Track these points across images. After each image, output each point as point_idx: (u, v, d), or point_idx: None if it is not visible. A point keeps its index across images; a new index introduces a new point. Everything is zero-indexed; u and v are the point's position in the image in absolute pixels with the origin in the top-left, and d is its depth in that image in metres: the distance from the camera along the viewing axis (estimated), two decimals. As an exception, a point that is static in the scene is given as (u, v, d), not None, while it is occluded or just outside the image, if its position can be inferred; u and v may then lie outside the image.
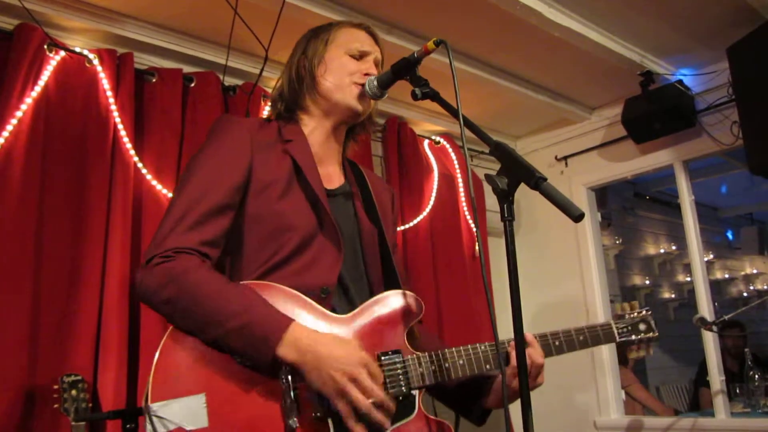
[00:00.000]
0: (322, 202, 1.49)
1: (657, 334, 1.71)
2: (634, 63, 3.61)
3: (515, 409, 1.21)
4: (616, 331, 1.68)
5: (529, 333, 1.52)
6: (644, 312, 1.72)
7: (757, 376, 3.80)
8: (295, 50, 1.67)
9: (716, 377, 3.75)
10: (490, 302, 1.34)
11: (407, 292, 1.53)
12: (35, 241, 2.43)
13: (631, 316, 1.71)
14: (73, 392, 2.04)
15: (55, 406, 2.03)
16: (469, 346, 1.50)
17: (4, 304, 2.30)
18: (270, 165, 1.49)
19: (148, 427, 1.23)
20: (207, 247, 1.38)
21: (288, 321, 1.30)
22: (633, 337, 1.69)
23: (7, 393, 2.25)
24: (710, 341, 3.80)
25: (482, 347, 1.51)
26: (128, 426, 2.11)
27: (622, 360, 4.49)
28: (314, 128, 1.62)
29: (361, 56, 1.59)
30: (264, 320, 1.29)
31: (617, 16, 3.25)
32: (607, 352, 4.20)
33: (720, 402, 3.72)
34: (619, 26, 3.36)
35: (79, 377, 2.07)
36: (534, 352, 1.51)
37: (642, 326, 1.70)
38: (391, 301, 1.50)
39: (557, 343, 1.58)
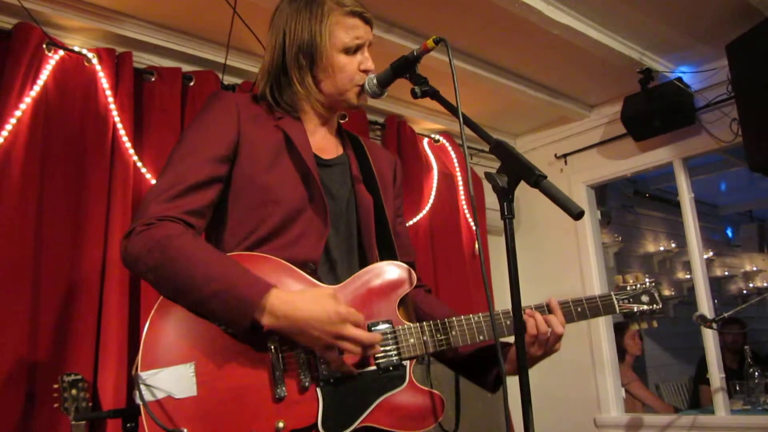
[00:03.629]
0: (312, 174, 1.47)
1: (661, 305, 1.65)
2: (634, 60, 3.61)
3: (516, 407, 1.21)
4: (616, 302, 1.63)
5: (553, 299, 1.54)
6: (648, 283, 1.67)
7: (756, 374, 3.81)
8: (287, 25, 1.54)
9: (716, 375, 3.75)
10: (490, 300, 1.34)
11: (399, 263, 1.52)
12: (35, 241, 2.43)
13: (634, 287, 1.67)
14: (74, 391, 2.03)
15: (55, 405, 2.02)
16: (462, 317, 1.50)
17: (4, 303, 2.30)
18: (259, 137, 1.48)
19: (137, 395, 1.24)
20: (191, 216, 1.37)
21: (266, 287, 1.29)
22: (635, 308, 1.64)
23: (7, 392, 2.25)
24: (710, 339, 3.80)
25: (476, 318, 1.50)
26: (128, 425, 2.10)
27: (621, 357, 4.50)
28: (309, 114, 1.60)
29: (356, 49, 1.55)
30: (243, 285, 1.28)
31: (616, 14, 3.25)
32: (607, 350, 4.20)
33: (720, 399, 3.72)
34: (618, 24, 3.36)
35: (79, 376, 2.06)
36: (554, 320, 1.50)
37: (645, 298, 1.65)
38: (382, 271, 1.50)
39: None
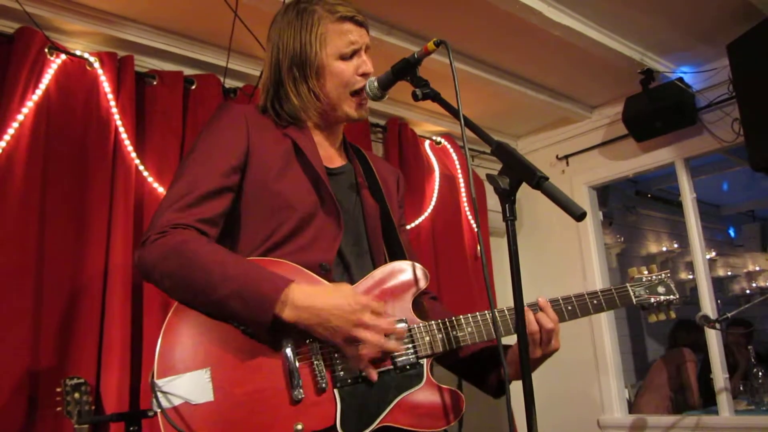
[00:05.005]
0: (322, 179, 1.49)
1: (677, 296, 1.64)
2: (635, 61, 3.61)
3: (519, 408, 1.21)
4: (632, 294, 1.62)
5: (542, 297, 1.52)
6: (663, 274, 1.67)
7: (761, 374, 3.80)
8: (280, 39, 1.57)
9: (719, 375, 3.74)
10: (491, 303, 1.34)
11: (412, 263, 1.53)
12: (37, 245, 2.44)
13: (649, 278, 1.66)
14: (76, 395, 2.04)
15: (58, 409, 2.02)
16: (477, 313, 1.50)
17: (6, 307, 2.30)
18: (268, 146, 1.50)
19: (154, 402, 1.24)
20: (204, 224, 1.39)
21: (285, 281, 1.30)
22: (652, 299, 1.62)
23: (10, 396, 2.25)
24: (713, 339, 3.79)
25: (491, 315, 1.50)
26: (131, 428, 2.11)
27: (691, 344, 4.66)
28: (312, 125, 1.61)
29: (353, 54, 1.56)
30: (262, 281, 1.30)
31: (617, 15, 3.25)
32: (610, 351, 4.20)
33: (724, 400, 3.71)
34: (618, 25, 3.36)
35: (81, 380, 2.07)
36: (543, 317, 1.48)
37: (661, 289, 1.64)
38: (395, 271, 1.51)
39: (569, 307, 1.55)
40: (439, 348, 1.46)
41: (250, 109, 1.57)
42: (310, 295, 1.31)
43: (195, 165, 1.44)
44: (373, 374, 1.36)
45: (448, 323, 1.48)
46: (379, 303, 1.36)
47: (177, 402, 1.25)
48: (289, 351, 1.32)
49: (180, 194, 1.39)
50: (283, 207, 1.45)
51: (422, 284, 1.51)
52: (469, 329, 1.48)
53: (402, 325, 1.44)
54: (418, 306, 1.52)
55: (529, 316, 1.47)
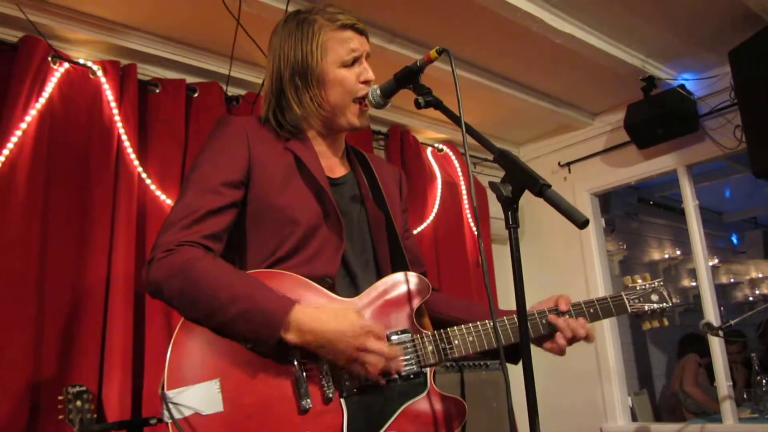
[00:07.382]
0: (325, 191, 1.49)
1: (671, 303, 1.68)
2: (636, 68, 3.62)
3: (522, 416, 1.20)
4: (627, 302, 1.65)
5: (562, 299, 1.56)
6: (656, 283, 1.70)
7: (765, 381, 3.78)
8: (281, 49, 1.57)
9: (723, 382, 3.73)
10: (492, 310, 1.35)
11: (413, 273, 1.54)
12: (40, 252, 2.44)
13: (643, 287, 1.69)
14: (78, 403, 2.04)
15: (60, 416, 2.02)
16: (479, 322, 1.52)
17: (9, 314, 2.31)
18: (270, 159, 1.50)
19: (165, 413, 1.25)
20: (209, 240, 1.39)
21: (290, 304, 1.31)
22: (645, 307, 1.66)
23: (12, 403, 2.25)
24: (716, 346, 3.77)
25: (492, 323, 1.51)
26: (133, 436, 2.11)
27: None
28: (314, 134, 1.62)
29: (353, 61, 1.57)
30: (267, 304, 1.30)
31: (618, 22, 3.26)
32: (612, 358, 4.18)
33: (727, 407, 3.70)
34: (620, 32, 3.37)
35: (83, 388, 2.06)
36: (578, 325, 1.54)
37: (654, 297, 1.68)
38: (397, 282, 1.51)
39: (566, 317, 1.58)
40: (442, 357, 1.46)
41: (250, 121, 1.57)
42: (314, 319, 1.31)
43: (197, 183, 1.44)
44: (379, 379, 1.37)
45: (449, 333, 1.49)
46: (380, 327, 1.36)
47: (188, 413, 1.25)
48: (296, 361, 1.33)
49: (184, 212, 1.39)
50: (287, 221, 1.45)
51: (425, 294, 1.52)
52: (471, 338, 1.49)
53: (405, 335, 1.45)
54: (421, 314, 1.53)
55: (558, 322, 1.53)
